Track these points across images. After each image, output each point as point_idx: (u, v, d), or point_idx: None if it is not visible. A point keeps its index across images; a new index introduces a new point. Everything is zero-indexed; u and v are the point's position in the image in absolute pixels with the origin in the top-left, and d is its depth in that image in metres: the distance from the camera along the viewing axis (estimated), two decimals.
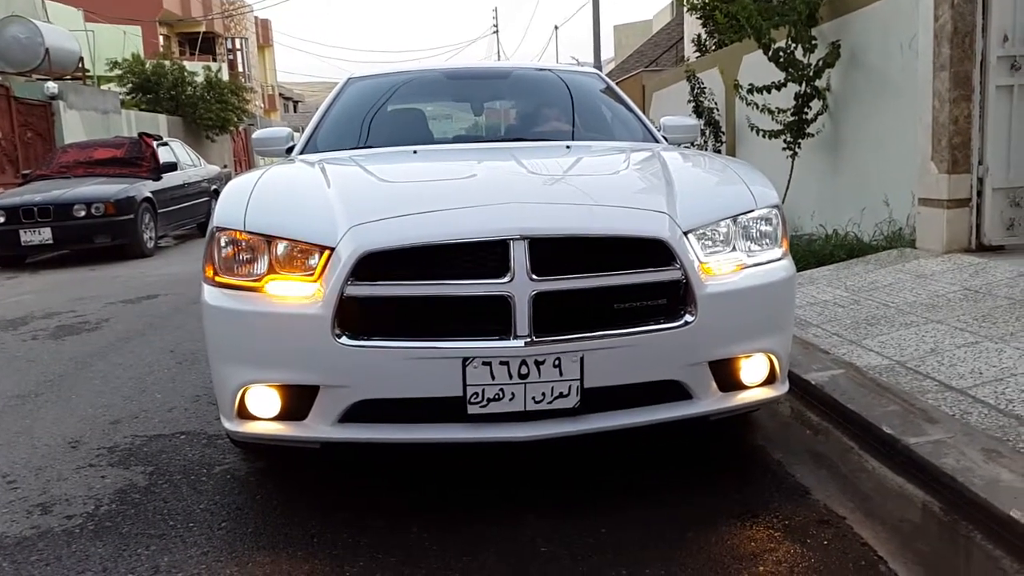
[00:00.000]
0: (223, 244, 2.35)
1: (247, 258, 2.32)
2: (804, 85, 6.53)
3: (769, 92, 6.82)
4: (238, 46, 37.02)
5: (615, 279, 2.20)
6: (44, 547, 2.30)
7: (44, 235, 9.00)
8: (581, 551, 2.13)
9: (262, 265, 2.30)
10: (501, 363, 2.14)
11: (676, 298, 2.26)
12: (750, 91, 7.06)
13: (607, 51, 29.97)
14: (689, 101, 9.64)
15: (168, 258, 9.64)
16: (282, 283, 2.26)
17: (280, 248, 2.28)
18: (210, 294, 2.36)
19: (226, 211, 2.42)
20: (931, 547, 2.12)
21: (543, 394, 2.18)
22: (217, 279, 2.35)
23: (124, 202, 9.34)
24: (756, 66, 7.54)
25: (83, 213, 9.08)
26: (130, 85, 21.24)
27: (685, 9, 14.33)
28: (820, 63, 6.40)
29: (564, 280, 2.15)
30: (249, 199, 2.44)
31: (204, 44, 32.21)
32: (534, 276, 2.12)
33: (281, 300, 2.25)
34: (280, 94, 47.28)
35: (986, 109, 4.81)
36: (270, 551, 2.21)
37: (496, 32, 47.33)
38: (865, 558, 2.05)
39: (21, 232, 8.97)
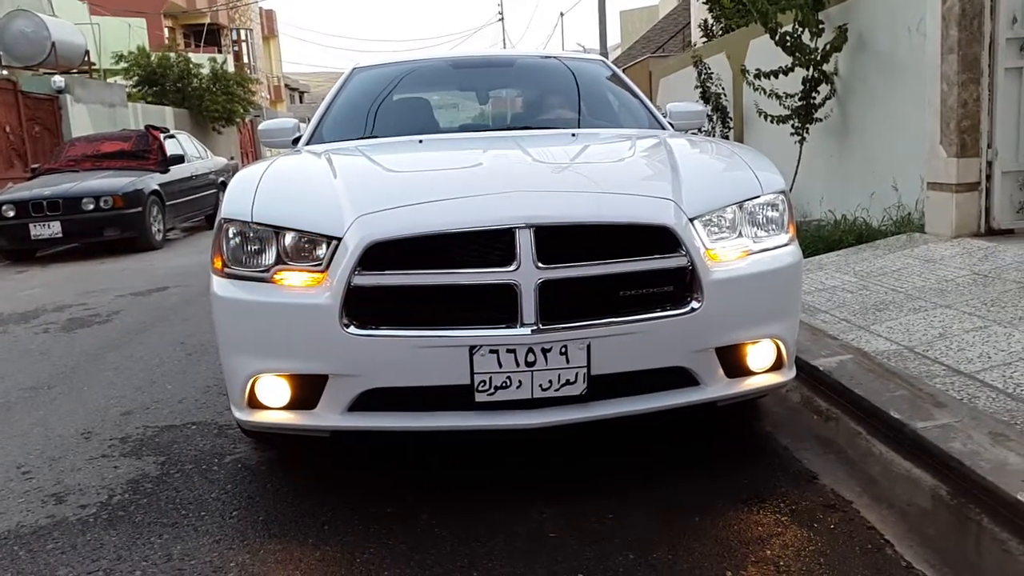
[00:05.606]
0: (231, 235, 2.37)
1: (255, 249, 2.34)
2: (811, 69, 6.49)
3: (776, 77, 6.78)
4: (243, 37, 36.98)
5: (621, 266, 2.20)
6: (59, 536, 2.33)
7: (54, 228, 9.06)
8: (589, 536, 2.15)
9: (270, 256, 2.31)
10: (508, 351, 2.15)
11: (682, 285, 2.26)
12: (757, 76, 7.03)
13: (613, 37, 29.83)
14: (696, 87, 9.60)
15: (176, 250, 9.68)
16: (290, 273, 2.28)
17: (288, 239, 2.29)
18: (219, 285, 2.38)
19: (233, 202, 2.43)
20: (938, 531, 2.13)
21: (550, 381, 2.19)
22: (226, 270, 2.37)
23: (132, 195, 9.38)
24: (763, 51, 7.50)
25: (92, 206, 9.12)
26: (136, 78, 21.26)
27: None
28: (827, 47, 6.35)
29: (570, 268, 2.16)
30: (256, 190, 2.45)
31: (209, 36, 32.20)
32: (540, 264, 2.12)
33: (289, 290, 2.26)
34: (286, 85, 47.24)
35: (995, 92, 4.77)
36: (281, 539, 2.24)
37: (501, 20, 47.16)
38: (872, 542, 2.06)
39: (31, 226, 9.02)
